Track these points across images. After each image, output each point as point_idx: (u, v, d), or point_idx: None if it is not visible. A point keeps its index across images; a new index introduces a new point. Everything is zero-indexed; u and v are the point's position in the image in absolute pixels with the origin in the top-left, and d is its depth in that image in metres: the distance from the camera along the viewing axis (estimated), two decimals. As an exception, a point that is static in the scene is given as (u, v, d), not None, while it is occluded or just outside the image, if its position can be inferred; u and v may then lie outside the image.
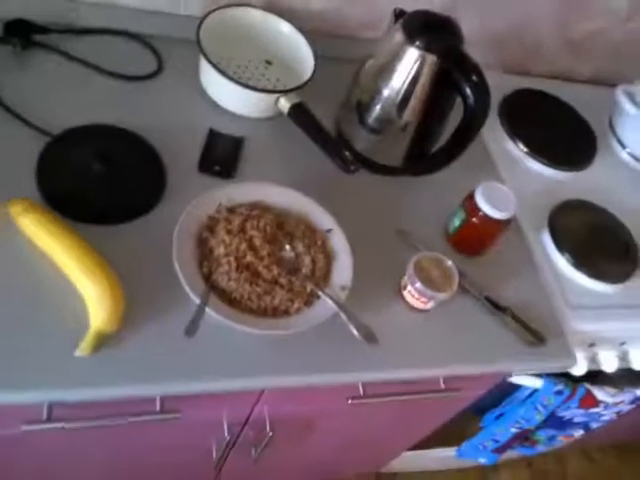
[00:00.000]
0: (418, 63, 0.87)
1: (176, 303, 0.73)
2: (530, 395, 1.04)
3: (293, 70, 1.00)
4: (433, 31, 0.88)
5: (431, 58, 0.87)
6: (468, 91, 0.85)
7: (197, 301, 0.71)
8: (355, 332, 0.75)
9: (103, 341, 0.69)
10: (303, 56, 1.00)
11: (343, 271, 0.80)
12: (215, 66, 0.90)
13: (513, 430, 1.11)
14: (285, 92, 0.93)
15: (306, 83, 0.94)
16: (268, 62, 1.03)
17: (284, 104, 0.93)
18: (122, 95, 0.92)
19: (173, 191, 0.85)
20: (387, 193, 0.97)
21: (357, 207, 0.91)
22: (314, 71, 0.96)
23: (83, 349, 0.68)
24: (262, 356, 0.75)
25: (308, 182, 0.91)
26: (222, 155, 0.91)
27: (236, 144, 0.93)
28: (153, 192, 0.83)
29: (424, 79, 0.88)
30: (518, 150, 1.14)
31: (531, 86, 1.24)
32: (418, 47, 0.86)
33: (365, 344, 0.74)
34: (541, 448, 1.25)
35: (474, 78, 0.85)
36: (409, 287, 0.84)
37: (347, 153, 0.89)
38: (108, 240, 0.76)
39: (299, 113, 0.93)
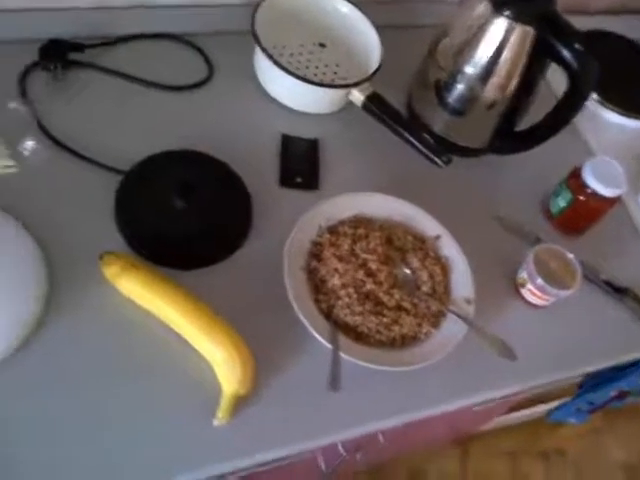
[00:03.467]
0: (507, 34, 0.78)
1: (302, 346, 0.67)
2: (635, 364, 1.00)
3: (351, 50, 0.90)
4: (523, -2, 0.78)
5: (523, 28, 0.77)
6: (571, 60, 0.76)
7: (328, 345, 0.65)
8: (491, 350, 0.69)
9: (238, 404, 0.63)
10: (362, 32, 0.89)
11: (463, 281, 0.74)
12: (278, 63, 0.80)
13: (612, 394, 1.09)
14: (358, 84, 0.83)
15: (378, 70, 0.85)
16: (322, 45, 0.93)
17: (357, 96, 0.84)
18: (178, 109, 0.82)
19: (260, 214, 0.76)
20: (477, 180, 0.89)
21: (450, 200, 0.84)
22: (382, 55, 0.86)
23: (221, 417, 0.62)
24: (397, 389, 0.70)
25: (394, 180, 0.83)
26: (300, 163, 0.83)
27: (312, 148, 0.84)
28: (241, 219, 0.75)
29: (514, 51, 0.79)
30: (592, 101, 1.05)
31: (596, 26, 1.14)
32: (508, 17, 0.77)
33: (502, 360, 0.70)
34: (631, 399, 1.24)
35: (577, 46, 0.76)
36: (529, 285, 0.78)
37: (437, 145, 0.81)
38: (206, 284, 0.69)
39: (375, 104, 0.84)
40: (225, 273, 0.72)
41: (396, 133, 0.83)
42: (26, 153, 0.70)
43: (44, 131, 0.73)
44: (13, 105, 0.73)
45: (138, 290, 0.65)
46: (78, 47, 0.80)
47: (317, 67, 0.91)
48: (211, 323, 0.64)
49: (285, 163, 0.82)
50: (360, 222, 0.75)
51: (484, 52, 0.80)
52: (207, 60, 0.87)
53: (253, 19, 0.81)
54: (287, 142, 0.83)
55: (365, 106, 0.84)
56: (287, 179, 0.81)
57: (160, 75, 0.83)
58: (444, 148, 0.83)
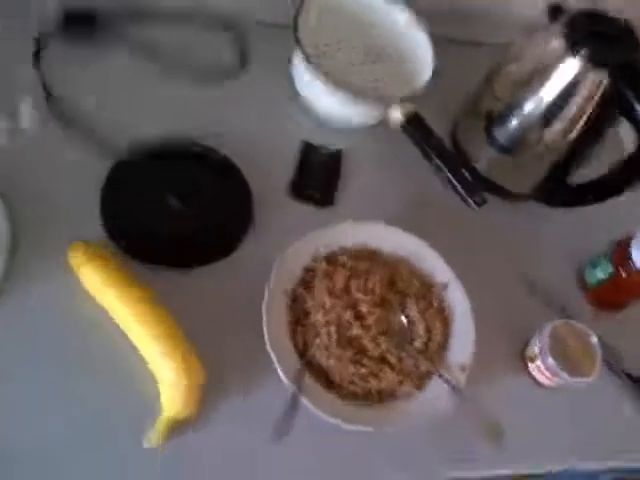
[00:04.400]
0: (579, 76, 0.68)
1: (265, 380, 0.61)
2: None
3: (398, 60, 0.82)
4: (603, 40, 0.68)
5: (598, 72, 0.67)
6: (644, 120, 0.66)
7: (290, 385, 0.59)
8: (479, 427, 0.62)
9: (176, 428, 0.58)
10: (414, 41, 0.81)
11: (463, 343, 0.66)
12: (315, 67, 0.73)
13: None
14: (399, 101, 0.75)
15: (425, 87, 0.76)
16: (367, 50, 0.84)
17: (396, 115, 0.75)
18: (200, 97, 0.75)
19: (260, 223, 0.70)
20: (509, 229, 0.80)
21: (472, 245, 0.76)
22: (434, 71, 0.77)
23: (153, 440, 0.57)
24: (353, 452, 0.62)
25: (416, 210, 0.76)
26: (317, 175, 0.76)
27: (334, 160, 0.77)
28: (237, 225, 0.70)
29: (583, 96, 0.69)
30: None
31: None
32: (583, 58, 0.67)
33: (488, 441, 0.62)
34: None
35: (653, 105, 0.66)
36: (538, 361, 0.69)
37: (474, 184, 0.72)
38: (184, 288, 0.64)
39: (414, 127, 0.75)
40: (208, 278, 0.66)
41: (431, 162, 0.75)
42: (24, 117, 0.67)
43: (49, 98, 0.69)
44: (27, 66, 0.69)
45: (97, 285, 0.60)
46: (108, 16, 0.75)
47: (358, 74, 0.82)
48: (166, 336, 0.58)
49: (301, 173, 0.75)
50: (363, 255, 0.68)
51: (550, 91, 0.70)
52: (242, 50, 0.80)
53: (296, 19, 0.74)
54: (308, 150, 0.77)
55: (403, 127, 0.76)
56: (299, 190, 0.74)
57: (189, 59, 0.76)
58: (481, 187, 0.74)
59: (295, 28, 0.74)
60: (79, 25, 0.74)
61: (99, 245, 0.62)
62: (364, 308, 0.64)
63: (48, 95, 0.69)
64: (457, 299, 0.68)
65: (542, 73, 0.70)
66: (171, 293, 0.62)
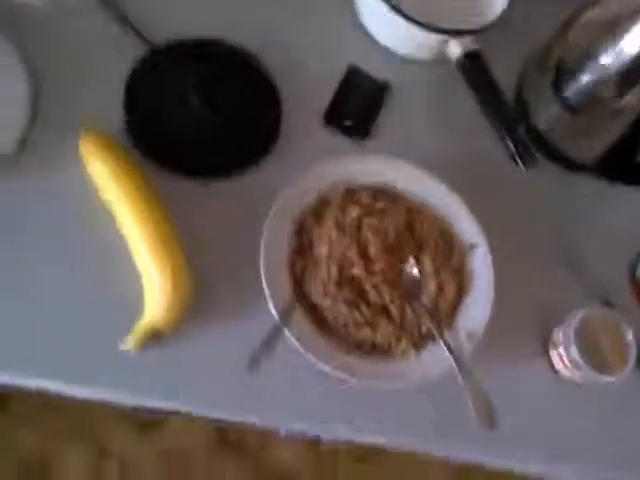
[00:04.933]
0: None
1: (254, 304, 0.56)
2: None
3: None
4: None
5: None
6: None
7: (275, 317, 0.54)
8: (470, 406, 0.55)
9: (154, 338, 0.54)
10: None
11: (477, 311, 0.59)
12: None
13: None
14: (459, 34, 0.67)
15: (492, 26, 0.68)
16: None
17: (454, 49, 0.67)
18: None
19: (286, 145, 0.64)
20: (558, 201, 0.71)
21: (512, 211, 0.68)
22: (506, 9, 0.68)
23: (130, 344, 0.53)
24: (332, 400, 0.57)
25: (456, 161, 0.68)
26: (358, 104, 0.69)
27: (378, 91, 0.70)
28: (261, 142, 0.64)
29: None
30: None
31: None
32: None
33: (479, 425, 0.55)
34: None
35: None
36: (561, 348, 0.61)
37: (527, 144, 0.64)
38: (193, 197, 0.60)
39: (472, 66, 0.67)
40: (219, 192, 0.62)
41: (485, 110, 0.67)
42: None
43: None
44: None
45: (103, 178, 0.56)
46: None
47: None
48: (161, 238, 0.55)
49: (340, 97, 0.68)
50: (385, 194, 0.61)
51: (633, 42, 0.60)
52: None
53: None
54: (353, 75, 0.69)
55: (460, 64, 0.67)
56: (334, 117, 0.67)
57: None
58: (534, 147, 0.66)
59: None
60: None
61: (113, 138, 0.58)
62: (372, 250, 0.58)
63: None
64: (481, 264, 0.61)
65: (626, 19, 0.60)
66: (179, 200, 0.58)
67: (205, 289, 0.57)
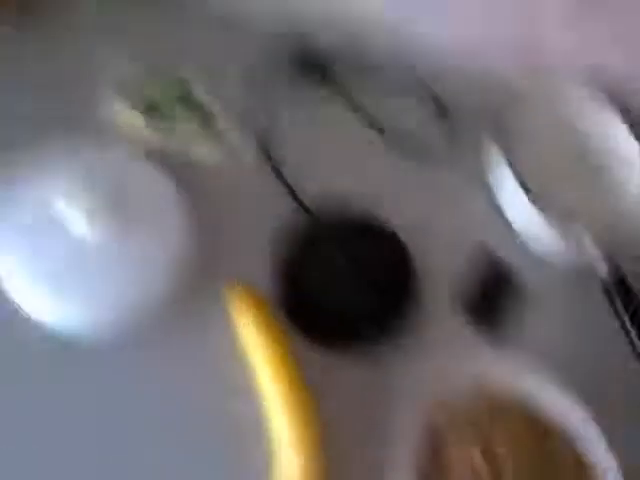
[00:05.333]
0: None
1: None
2: None
3: (612, 180, 0.74)
4: None
5: None
6: None
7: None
8: None
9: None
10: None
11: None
12: (522, 185, 0.67)
13: None
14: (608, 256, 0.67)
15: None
16: (580, 158, 0.76)
17: (599, 267, 0.67)
18: (394, 171, 0.72)
19: (418, 327, 0.64)
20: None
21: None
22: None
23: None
24: None
25: (595, 379, 0.64)
26: (490, 291, 0.68)
27: (512, 282, 0.69)
28: (394, 321, 0.64)
29: None
30: None
31: None
32: None
33: None
34: None
35: None
36: None
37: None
38: (323, 366, 0.59)
39: (617, 288, 0.67)
40: (353, 362, 0.60)
41: (625, 331, 0.66)
42: (232, 147, 0.66)
43: (262, 135, 0.68)
44: (244, 93, 0.69)
45: (250, 340, 0.56)
46: (340, 62, 0.74)
47: (564, 188, 0.72)
48: (301, 425, 0.53)
49: (472, 285, 0.68)
50: (525, 414, 0.59)
51: None
52: (451, 137, 0.76)
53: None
54: (487, 262, 0.70)
55: (604, 282, 0.67)
56: (467, 304, 0.67)
57: (393, 120, 0.73)
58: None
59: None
60: (310, 69, 0.74)
61: (262, 296, 0.59)
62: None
63: (262, 134, 0.68)
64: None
65: None
66: (315, 368, 0.57)
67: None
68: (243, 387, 0.56)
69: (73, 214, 0.53)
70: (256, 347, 0.56)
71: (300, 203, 0.65)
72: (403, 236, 0.67)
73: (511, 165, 0.68)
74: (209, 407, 0.55)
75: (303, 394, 0.54)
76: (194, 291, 0.58)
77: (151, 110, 0.65)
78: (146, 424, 0.54)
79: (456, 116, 0.77)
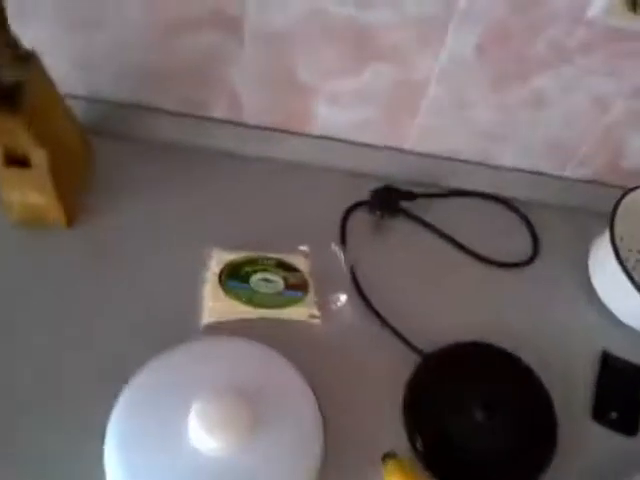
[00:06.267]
0: None
1: None
2: None
3: None
4: None
5: None
6: None
7: None
8: None
9: None
10: None
11: None
12: (627, 272, 0.67)
13: None
14: None
15: None
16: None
17: None
18: (488, 284, 0.73)
19: (564, 447, 0.62)
20: None
21: None
22: None
23: None
24: None
25: None
26: (618, 393, 0.68)
27: (636, 377, 0.69)
28: (539, 449, 0.62)
29: None
30: None
31: None
32: None
33: None
34: None
35: None
36: None
37: None
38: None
39: None
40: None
41: None
42: (334, 307, 0.67)
43: (356, 285, 0.69)
44: (335, 246, 0.71)
45: None
46: (408, 195, 0.77)
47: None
48: None
49: (601, 390, 0.68)
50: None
51: None
52: (534, 237, 0.78)
53: (616, 207, 0.70)
54: (608, 362, 0.70)
55: None
56: (601, 411, 0.66)
57: (481, 242, 0.75)
58: None
59: (612, 221, 0.69)
60: (382, 203, 0.76)
61: (410, 464, 0.58)
62: None
63: (354, 279, 0.70)
64: None
65: None
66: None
67: None
68: None
69: (204, 425, 0.50)
70: None
71: (411, 346, 0.66)
72: (518, 353, 0.67)
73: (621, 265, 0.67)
74: None
75: None
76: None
77: (233, 279, 0.65)
78: None
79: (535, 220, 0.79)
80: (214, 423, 0.51)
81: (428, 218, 0.76)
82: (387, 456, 0.57)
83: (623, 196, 0.71)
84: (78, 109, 0.71)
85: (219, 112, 0.78)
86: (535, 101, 0.74)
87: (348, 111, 0.76)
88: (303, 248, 0.70)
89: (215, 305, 0.64)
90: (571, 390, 0.67)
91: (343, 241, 0.72)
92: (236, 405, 0.52)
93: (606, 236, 0.69)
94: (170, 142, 0.76)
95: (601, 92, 0.72)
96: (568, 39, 0.67)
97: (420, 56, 0.69)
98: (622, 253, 0.67)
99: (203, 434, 0.50)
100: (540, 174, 0.82)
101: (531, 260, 0.76)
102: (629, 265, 0.74)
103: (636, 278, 0.66)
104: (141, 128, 0.76)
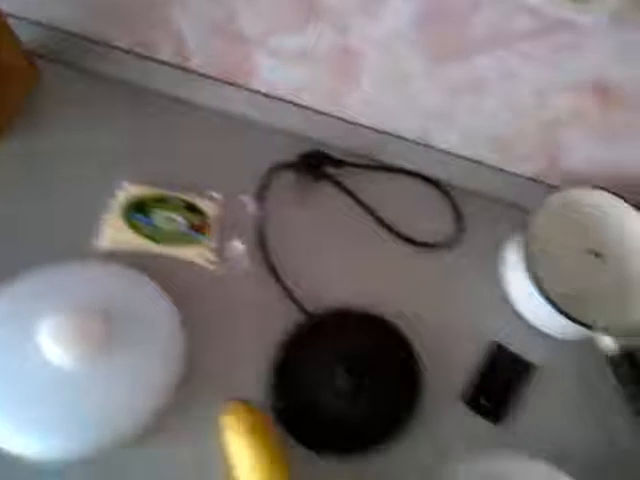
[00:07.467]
0: None
1: None
2: None
3: (630, 277, 0.73)
4: None
5: None
6: None
7: None
8: None
9: None
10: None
11: None
12: (530, 273, 0.66)
13: None
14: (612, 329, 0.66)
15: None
16: (597, 254, 0.76)
17: (607, 341, 0.66)
18: (399, 261, 0.74)
19: (422, 420, 0.64)
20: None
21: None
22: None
23: None
24: None
25: (593, 457, 0.65)
26: (497, 384, 0.68)
27: (520, 372, 0.69)
28: (398, 419, 0.64)
29: None
30: None
31: None
32: None
33: None
34: None
35: None
36: None
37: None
38: (323, 474, 0.60)
39: (623, 363, 0.66)
40: (351, 469, 0.61)
41: (631, 404, 0.65)
42: (229, 253, 0.69)
43: (260, 238, 0.71)
44: (245, 197, 0.72)
45: (239, 454, 0.57)
46: (338, 163, 0.77)
47: (577, 277, 0.75)
48: None
49: (480, 376, 0.68)
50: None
51: None
52: (458, 224, 0.77)
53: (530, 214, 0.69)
54: (496, 352, 0.70)
55: (610, 358, 0.66)
56: (472, 396, 0.67)
57: (404, 220, 0.76)
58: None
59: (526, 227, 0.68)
60: (310, 166, 0.77)
61: (255, 410, 0.60)
62: None
63: (261, 239, 0.71)
64: None
65: None
66: (309, 476, 0.58)
67: None
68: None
69: (56, 339, 0.53)
70: (246, 465, 0.57)
71: (299, 305, 0.67)
72: (406, 329, 0.68)
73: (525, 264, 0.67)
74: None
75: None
76: (188, 401, 0.61)
77: (138, 213, 0.68)
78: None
79: (463, 206, 0.78)
80: (65, 336, 0.54)
81: (353, 188, 0.77)
82: (236, 399, 0.59)
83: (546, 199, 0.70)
84: (31, 33, 0.74)
85: (165, 55, 0.80)
86: (475, 87, 0.73)
87: (289, 70, 0.77)
88: (216, 195, 0.72)
89: (113, 234, 0.67)
90: (451, 372, 0.68)
91: (261, 196, 0.73)
92: (89, 320, 0.55)
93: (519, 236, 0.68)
94: (114, 77, 0.79)
95: (540, 84, 0.71)
96: (508, 24, 0.66)
97: (361, 22, 0.69)
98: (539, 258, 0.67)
99: (54, 346, 0.53)
100: (478, 163, 0.81)
101: (449, 245, 0.76)
102: (541, 261, 0.72)
103: (540, 275, 0.66)
104: (90, 60, 0.79)
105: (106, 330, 0.55)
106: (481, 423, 0.66)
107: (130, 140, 0.75)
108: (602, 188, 0.72)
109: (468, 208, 0.78)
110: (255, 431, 0.58)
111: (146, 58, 0.81)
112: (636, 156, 0.73)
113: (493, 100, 0.74)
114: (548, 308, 0.66)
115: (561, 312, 0.65)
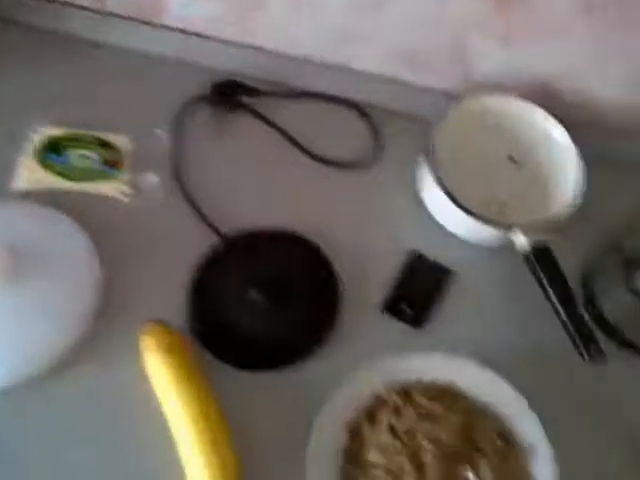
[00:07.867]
0: None
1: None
2: None
3: (541, 179, 0.74)
4: None
5: None
6: None
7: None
8: None
9: None
10: (563, 164, 0.73)
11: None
12: (441, 183, 0.68)
13: None
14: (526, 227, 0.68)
15: (559, 218, 0.68)
16: (512, 159, 0.77)
17: (520, 241, 0.68)
18: (318, 183, 0.75)
19: (343, 332, 0.66)
20: (633, 396, 0.67)
21: (582, 407, 0.65)
22: (576, 201, 0.68)
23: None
24: None
25: (520, 356, 0.67)
26: (417, 291, 0.70)
27: (439, 278, 0.71)
28: (318, 331, 0.66)
29: None
30: None
31: None
32: None
33: None
34: None
35: None
36: None
37: (597, 340, 0.63)
38: (244, 389, 0.62)
39: (539, 259, 0.67)
40: (274, 383, 0.63)
41: (551, 303, 0.66)
42: (144, 186, 0.70)
43: (175, 168, 0.72)
44: (159, 131, 0.73)
45: (159, 375, 0.59)
46: (253, 92, 0.78)
47: (495, 183, 0.75)
48: (212, 440, 0.56)
49: (401, 285, 0.70)
50: (443, 395, 0.61)
51: None
52: (377, 140, 0.78)
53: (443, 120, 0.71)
54: (415, 261, 0.71)
55: (526, 256, 0.68)
56: (393, 304, 0.69)
57: (322, 143, 0.77)
58: (600, 338, 0.64)
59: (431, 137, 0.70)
60: (223, 97, 0.77)
61: (173, 331, 0.61)
62: (427, 458, 0.57)
63: (176, 169, 0.72)
64: (543, 467, 0.58)
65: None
66: (229, 390, 0.61)
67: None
68: (157, 430, 0.59)
69: None
70: (165, 383, 0.59)
71: (213, 228, 0.69)
72: (326, 247, 0.69)
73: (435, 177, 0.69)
74: (123, 452, 0.59)
75: (213, 414, 0.58)
76: (106, 330, 0.63)
77: (52, 153, 0.69)
78: (56, 463, 0.59)
79: (382, 127, 0.79)
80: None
81: (271, 117, 0.77)
82: (153, 321, 0.61)
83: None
84: None
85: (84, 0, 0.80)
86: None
87: (200, 4, 0.77)
88: (131, 131, 0.73)
89: (28, 175, 0.68)
90: (372, 286, 0.70)
91: (177, 130, 0.74)
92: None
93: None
94: (31, 25, 0.79)
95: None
96: None
97: None
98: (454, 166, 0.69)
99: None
100: (394, 82, 0.81)
101: (367, 164, 0.77)
102: (456, 169, 0.73)
103: (453, 181, 0.68)
104: (6, 8, 0.79)
105: (12, 265, 0.57)
106: (403, 330, 0.68)
107: (47, 85, 0.76)
108: (512, 95, 0.73)
109: (387, 129, 0.79)
110: (173, 350, 0.60)
111: (64, 4, 0.81)
112: (538, 58, 0.74)
113: (394, 11, 0.73)
114: (462, 214, 0.68)
115: (469, 213, 0.67)
